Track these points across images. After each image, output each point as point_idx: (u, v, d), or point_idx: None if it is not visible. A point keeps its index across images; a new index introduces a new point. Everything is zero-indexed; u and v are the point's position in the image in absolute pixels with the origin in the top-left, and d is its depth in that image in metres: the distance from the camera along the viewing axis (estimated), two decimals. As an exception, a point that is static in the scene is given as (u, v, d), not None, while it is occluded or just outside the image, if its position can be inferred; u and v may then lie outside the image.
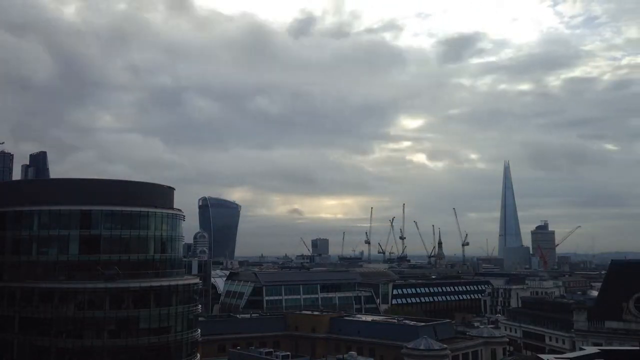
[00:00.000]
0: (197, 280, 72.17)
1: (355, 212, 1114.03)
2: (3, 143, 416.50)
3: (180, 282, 65.97)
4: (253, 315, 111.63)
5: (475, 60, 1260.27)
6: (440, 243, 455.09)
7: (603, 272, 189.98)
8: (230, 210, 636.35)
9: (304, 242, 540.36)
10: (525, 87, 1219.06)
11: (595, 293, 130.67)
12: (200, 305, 72.24)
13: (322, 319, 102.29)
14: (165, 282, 63.99)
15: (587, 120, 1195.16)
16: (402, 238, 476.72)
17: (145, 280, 62.34)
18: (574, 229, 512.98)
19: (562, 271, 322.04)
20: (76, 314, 59.02)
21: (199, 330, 69.13)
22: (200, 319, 75.40)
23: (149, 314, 61.56)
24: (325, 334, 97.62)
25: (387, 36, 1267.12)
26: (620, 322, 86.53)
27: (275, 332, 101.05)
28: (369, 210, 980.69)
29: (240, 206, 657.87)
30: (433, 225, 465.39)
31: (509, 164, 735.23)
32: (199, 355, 68.96)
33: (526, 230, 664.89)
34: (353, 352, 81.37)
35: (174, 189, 75.01)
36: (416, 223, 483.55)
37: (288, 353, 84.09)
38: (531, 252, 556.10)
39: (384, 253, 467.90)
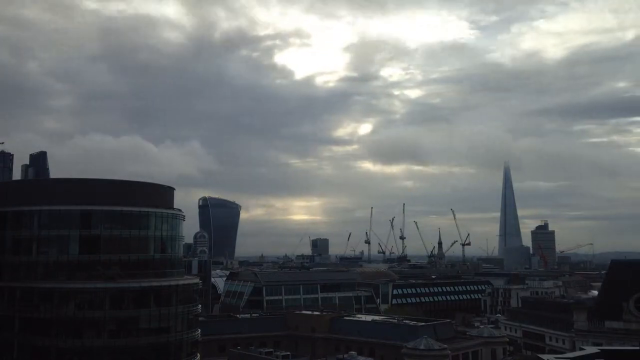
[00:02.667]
0: (197, 280, 72.18)
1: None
2: (3, 143, 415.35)
3: (180, 282, 65.97)
4: (253, 315, 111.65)
5: (394, 70, 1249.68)
6: (440, 243, 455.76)
7: (603, 272, 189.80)
8: (230, 210, 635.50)
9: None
10: (453, 95, 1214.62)
11: (595, 293, 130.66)
12: (200, 305, 72.21)
13: (322, 319, 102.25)
14: (165, 282, 64.02)
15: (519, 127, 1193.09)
16: (402, 238, 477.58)
17: (145, 280, 62.34)
18: (585, 244, 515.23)
19: (562, 271, 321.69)
20: (76, 314, 58.99)
21: (199, 330, 69.12)
22: (200, 319, 75.37)
23: (149, 314, 61.54)
24: (325, 334, 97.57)
25: (297, 42, 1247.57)
26: (621, 322, 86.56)
27: (275, 332, 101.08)
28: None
29: (240, 206, 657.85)
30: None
31: (509, 165, 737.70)
32: (199, 355, 68.94)
33: (526, 230, 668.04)
34: (353, 352, 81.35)
35: (174, 189, 75.05)
36: (416, 223, 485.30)
37: (288, 353, 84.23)
38: (531, 252, 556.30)
39: (384, 253, 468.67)
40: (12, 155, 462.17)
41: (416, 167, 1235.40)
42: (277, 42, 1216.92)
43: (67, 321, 58.90)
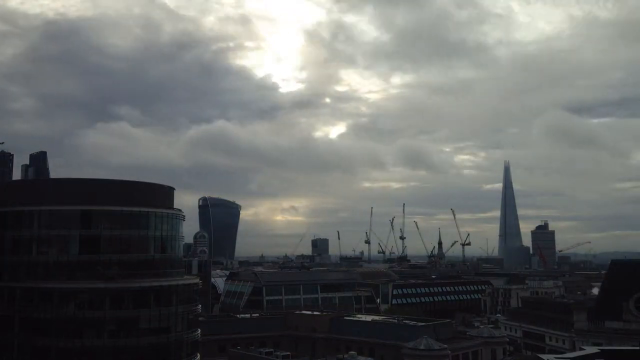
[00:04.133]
0: (197, 280, 72.03)
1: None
2: (3, 143, 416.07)
3: (180, 282, 65.93)
4: (253, 315, 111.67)
5: (353, 74, 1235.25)
6: (440, 243, 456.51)
7: (603, 272, 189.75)
8: (231, 210, 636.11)
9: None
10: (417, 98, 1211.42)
11: (595, 293, 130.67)
12: (200, 305, 72.20)
13: (322, 319, 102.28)
14: (165, 282, 63.94)
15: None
16: (402, 238, 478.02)
17: (145, 280, 62.26)
18: (583, 243, 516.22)
19: (562, 271, 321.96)
20: (76, 314, 58.88)
21: (199, 330, 69.09)
22: (200, 319, 75.34)
23: (149, 314, 61.47)
24: (325, 334, 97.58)
25: (250, 45, 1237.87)
26: (621, 322, 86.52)
27: (275, 332, 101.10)
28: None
29: (240, 206, 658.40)
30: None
31: (509, 165, 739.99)
32: (199, 355, 68.93)
33: (526, 231, 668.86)
34: (353, 352, 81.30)
35: (174, 188, 74.97)
36: (416, 223, 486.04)
37: (288, 353, 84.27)
38: (531, 252, 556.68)
39: (384, 253, 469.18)
40: (12, 155, 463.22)
41: (398, 169, 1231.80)
42: (230, 44, 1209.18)
43: (67, 321, 58.74)
